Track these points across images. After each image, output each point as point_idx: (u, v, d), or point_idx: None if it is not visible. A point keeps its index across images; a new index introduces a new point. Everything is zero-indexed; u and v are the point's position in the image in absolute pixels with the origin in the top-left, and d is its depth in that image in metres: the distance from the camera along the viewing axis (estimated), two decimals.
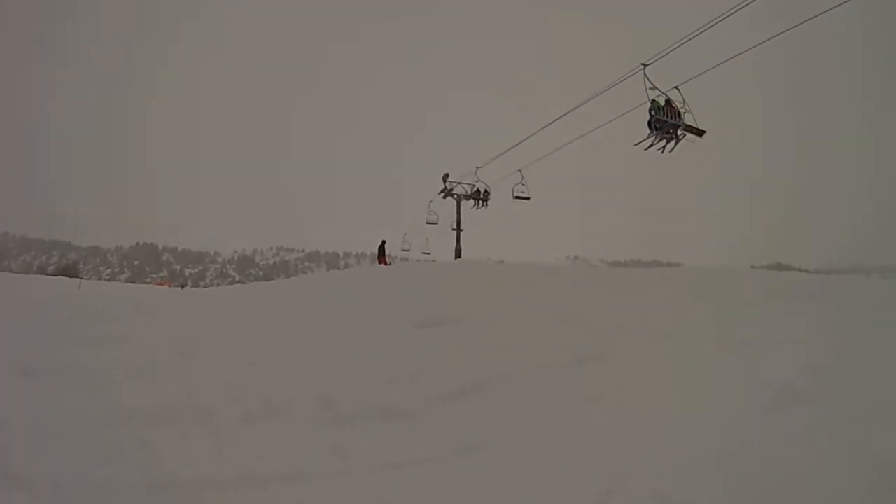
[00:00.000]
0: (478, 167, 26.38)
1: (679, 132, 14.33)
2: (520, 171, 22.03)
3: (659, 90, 14.18)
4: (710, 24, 12.72)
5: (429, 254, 29.32)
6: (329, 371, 6.68)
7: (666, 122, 14.14)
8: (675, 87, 13.91)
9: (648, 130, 14.31)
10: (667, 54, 13.65)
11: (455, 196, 27.27)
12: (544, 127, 18.49)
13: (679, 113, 14.27)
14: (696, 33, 13.04)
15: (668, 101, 14.31)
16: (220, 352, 7.38)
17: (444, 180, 27.17)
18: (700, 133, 14.16)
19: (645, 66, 14.09)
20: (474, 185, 26.82)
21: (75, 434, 5.01)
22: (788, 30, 12.42)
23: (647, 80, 14.11)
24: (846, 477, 3.53)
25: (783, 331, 6.99)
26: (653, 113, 14.14)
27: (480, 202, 26.89)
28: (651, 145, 14.61)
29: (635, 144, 14.73)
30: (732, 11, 12.05)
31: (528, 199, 21.79)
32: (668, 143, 14.43)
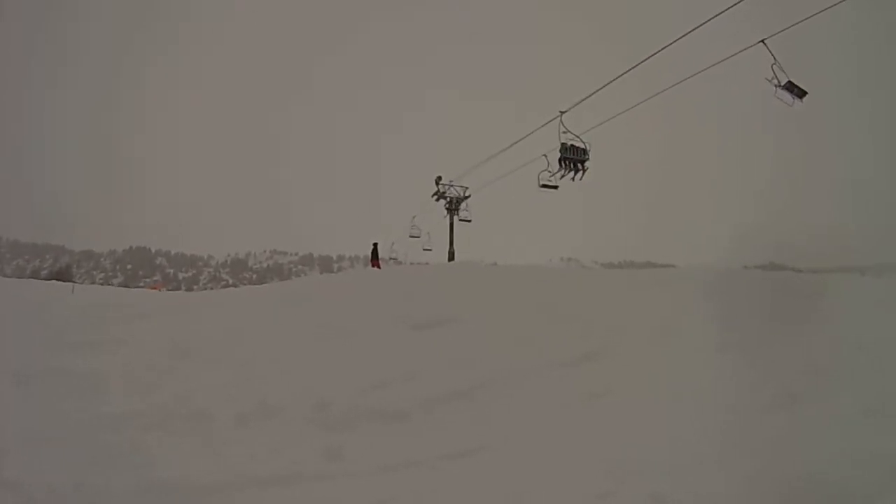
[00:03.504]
0: (451, 181, 27.09)
1: (586, 164, 17.63)
2: (545, 156, 19.20)
3: (572, 133, 17.27)
4: (703, 23, 13.27)
5: (430, 250, 29.05)
6: (323, 373, 6.64)
7: (572, 158, 17.42)
8: (762, 41, 13.76)
9: (558, 166, 17.57)
10: (586, 99, 16.35)
11: (447, 199, 27.22)
12: (538, 129, 18.52)
13: (585, 150, 17.53)
14: (681, 37, 13.83)
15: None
16: (214, 355, 7.35)
17: (437, 183, 27.13)
18: (801, 95, 14.28)
19: (562, 113, 17.10)
20: (466, 189, 27.02)
21: (69, 439, 4.96)
22: (794, 25, 12.70)
23: (561, 125, 17.14)
24: (844, 475, 3.53)
25: (778, 331, 6.99)
26: (561, 152, 17.29)
27: (454, 211, 27.43)
28: (563, 176, 17.91)
29: (550, 176, 18.12)
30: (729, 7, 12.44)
31: (556, 188, 19.47)
32: (575, 173, 17.80)
